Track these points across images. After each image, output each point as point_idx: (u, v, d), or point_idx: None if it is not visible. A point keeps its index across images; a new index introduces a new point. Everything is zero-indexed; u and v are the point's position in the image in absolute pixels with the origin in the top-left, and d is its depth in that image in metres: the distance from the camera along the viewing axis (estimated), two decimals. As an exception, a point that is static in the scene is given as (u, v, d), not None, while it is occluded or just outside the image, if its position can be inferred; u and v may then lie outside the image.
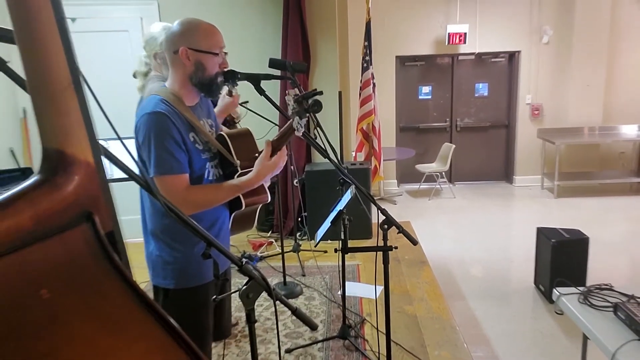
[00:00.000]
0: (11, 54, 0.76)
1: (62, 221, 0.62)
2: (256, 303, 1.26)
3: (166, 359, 0.64)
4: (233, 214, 1.91)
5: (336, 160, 2.00)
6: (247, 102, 2.70)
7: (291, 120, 1.68)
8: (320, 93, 1.66)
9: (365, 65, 5.82)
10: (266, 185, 1.85)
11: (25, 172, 3.20)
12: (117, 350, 0.60)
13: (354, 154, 5.96)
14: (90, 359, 0.58)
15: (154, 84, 2.41)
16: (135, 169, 1.05)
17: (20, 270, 0.57)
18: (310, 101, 1.64)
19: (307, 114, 1.67)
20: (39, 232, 0.59)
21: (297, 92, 1.68)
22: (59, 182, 0.62)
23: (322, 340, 2.93)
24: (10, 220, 0.58)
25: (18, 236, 0.58)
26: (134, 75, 2.72)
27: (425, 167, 7.40)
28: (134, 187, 1.24)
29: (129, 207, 2.71)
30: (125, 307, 0.63)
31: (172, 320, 0.64)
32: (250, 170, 1.79)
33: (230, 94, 2.40)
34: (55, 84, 0.62)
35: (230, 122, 2.67)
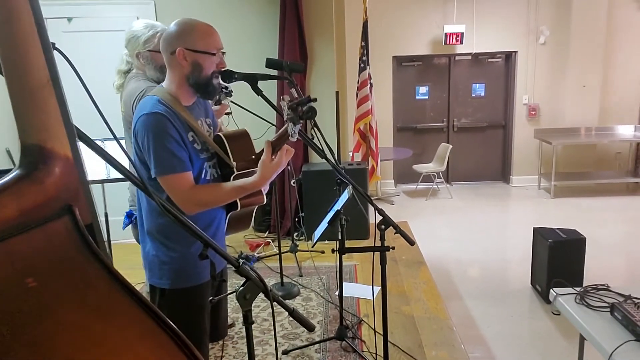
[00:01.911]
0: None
1: (44, 213, 0.63)
2: (253, 304, 1.26)
3: (156, 344, 0.65)
4: (229, 215, 1.91)
5: (333, 161, 1.99)
6: (230, 113, 2.70)
7: (286, 125, 1.68)
8: (315, 100, 1.67)
9: (362, 65, 5.82)
10: (265, 188, 1.85)
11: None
12: (109, 336, 0.61)
13: (351, 154, 5.96)
14: (84, 345, 0.59)
15: (138, 82, 2.38)
16: (131, 169, 1.04)
17: (6, 259, 0.58)
18: (304, 108, 1.65)
19: (301, 121, 1.67)
20: (23, 224, 0.61)
21: (293, 96, 1.67)
22: (40, 176, 0.64)
23: (320, 342, 2.92)
24: None
25: (3, 228, 0.59)
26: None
27: (423, 168, 7.41)
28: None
29: (126, 207, 2.71)
30: (110, 295, 0.64)
31: (153, 306, 0.66)
32: (248, 172, 1.78)
33: (218, 102, 2.38)
34: (34, 81, 0.64)
35: None
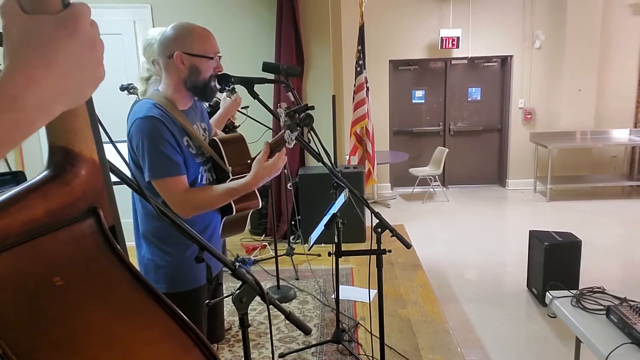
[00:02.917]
0: None
1: (70, 214, 0.65)
2: (249, 307, 1.26)
3: (177, 345, 0.66)
4: (224, 219, 1.91)
5: (330, 164, 1.99)
6: (247, 107, 2.70)
7: (283, 131, 1.69)
8: (312, 108, 1.67)
9: (358, 69, 5.83)
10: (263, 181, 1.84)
11: (17, 176, 3.17)
12: (131, 336, 0.62)
13: (347, 157, 5.96)
14: (107, 344, 0.60)
15: (153, 87, 2.42)
16: (127, 172, 1.04)
17: (35, 258, 0.60)
18: (301, 115, 1.65)
19: (299, 128, 1.67)
20: (50, 224, 0.62)
21: (290, 99, 1.69)
22: (68, 178, 0.65)
23: (316, 345, 2.92)
24: (25, 212, 0.61)
25: (32, 227, 0.60)
26: (121, 88, 2.77)
27: (419, 171, 7.42)
28: (126, 191, 1.23)
29: (121, 210, 2.71)
30: (133, 295, 0.66)
31: (175, 307, 0.67)
32: (244, 176, 1.78)
33: (230, 96, 2.39)
34: None
35: (229, 126, 2.67)
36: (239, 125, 2.72)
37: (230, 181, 1.79)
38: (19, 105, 0.49)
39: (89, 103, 0.67)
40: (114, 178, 1.02)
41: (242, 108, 2.63)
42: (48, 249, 0.61)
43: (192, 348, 0.66)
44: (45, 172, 0.66)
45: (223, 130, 2.56)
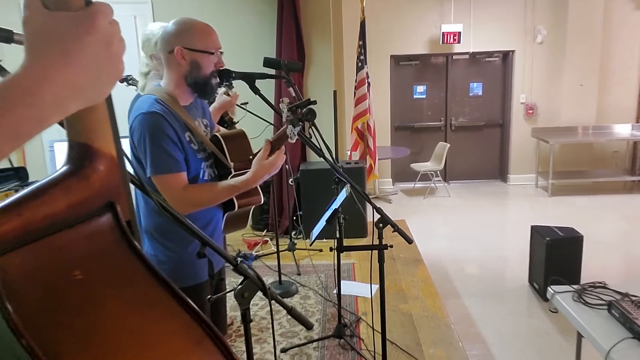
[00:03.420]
0: (4, 52, 0.76)
1: (89, 209, 0.66)
2: (251, 302, 1.26)
3: (191, 337, 0.67)
4: (226, 215, 1.91)
5: (331, 159, 1.99)
6: (246, 103, 2.70)
7: (285, 127, 1.69)
8: (314, 102, 1.67)
9: (360, 64, 5.82)
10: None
11: (19, 172, 3.17)
12: (147, 329, 0.64)
13: (349, 153, 5.96)
14: (124, 337, 0.61)
15: (153, 82, 2.42)
16: (129, 168, 1.05)
17: (55, 252, 0.61)
18: (304, 110, 1.65)
19: (301, 123, 1.67)
20: (70, 219, 0.63)
21: (291, 95, 1.69)
22: (87, 173, 0.67)
23: (318, 340, 2.93)
24: (48, 206, 0.62)
25: (53, 221, 0.61)
26: (121, 80, 2.74)
27: (420, 166, 7.41)
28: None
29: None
30: (149, 289, 0.67)
31: (190, 301, 0.69)
32: (245, 172, 1.78)
33: (227, 93, 2.39)
34: None
35: (228, 122, 2.67)
36: (238, 122, 2.72)
37: (232, 177, 1.79)
38: (34, 100, 0.50)
39: (108, 99, 0.67)
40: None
41: (242, 104, 2.63)
42: (68, 243, 0.62)
43: (208, 342, 0.67)
44: (64, 167, 0.67)
45: (222, 126, 2.56)
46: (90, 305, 0.60)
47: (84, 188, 0.66)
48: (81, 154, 0.67)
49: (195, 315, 0.68)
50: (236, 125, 2.68)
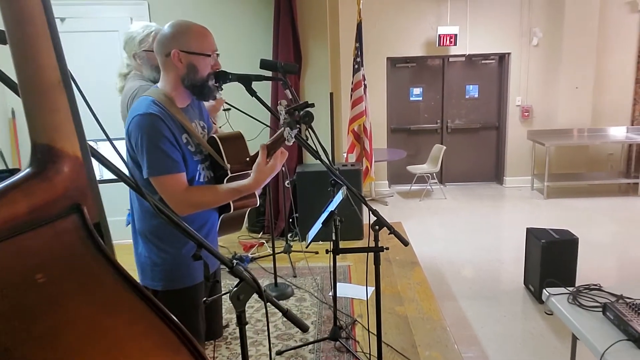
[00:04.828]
0: (3, 53, 0.76)
1: (53, 211, 0.65)
2: (247, 305, 1.26)
3: (162, 342, 0.66)
4: (221, 217, 1.91)
5: (327, 162, 1.99)
6: (229, 109, 2.69)
7: (282, 129, 1.69)
8: (312, 105, 1.67)
9: (356, 66, 5.83)
10: (258, 191, 1.85)
11: (14, 173, 3.16)
12: (115, 331, 0.63)
13: (345, 155, 5.96)
14: (91, 339, 0.60)
15: (133, 82, 2.39)
16: (124, 169, 1.04)
17: (16, 255, 0.60)
18: (301, 112, 1.65)
19: (298, 125, 1.67)
20: (32, 221, 0.63)
21: (288, 97, 1.69)
22: (50, 175, 0.65)
23: (313, 342, 2.92)
24: (7, 208, 0.61)
25: (14, 224, 0.61)
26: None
27: (416, 169, 7.43)
28: (124, 188, 1.23)
29: (119, 208, 2.70)
30: (117, 291, 0.66)
31: (158, 303, 0.67)
32: (242, 174, 1.78)
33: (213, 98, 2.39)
34: (45, 81, 0.65)
35: None
36: (221, 127, 2.71)
37: (228, 179, 1.79)
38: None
39: (70, 97, 0.67)
40: (110, 175, 1.01)
41: (224, 109, 2.62)
42: (30, 246, 0.62)
43: (176, 343, 0.66)
44: (27, 170, 0.66)
45: None
46: (53, 308, 0.59)
47: (47, 190, 0.65)
48: (44, 156, 0.66)
49: (167, 320, 0.67)
50: (233, 128, 2.68)
